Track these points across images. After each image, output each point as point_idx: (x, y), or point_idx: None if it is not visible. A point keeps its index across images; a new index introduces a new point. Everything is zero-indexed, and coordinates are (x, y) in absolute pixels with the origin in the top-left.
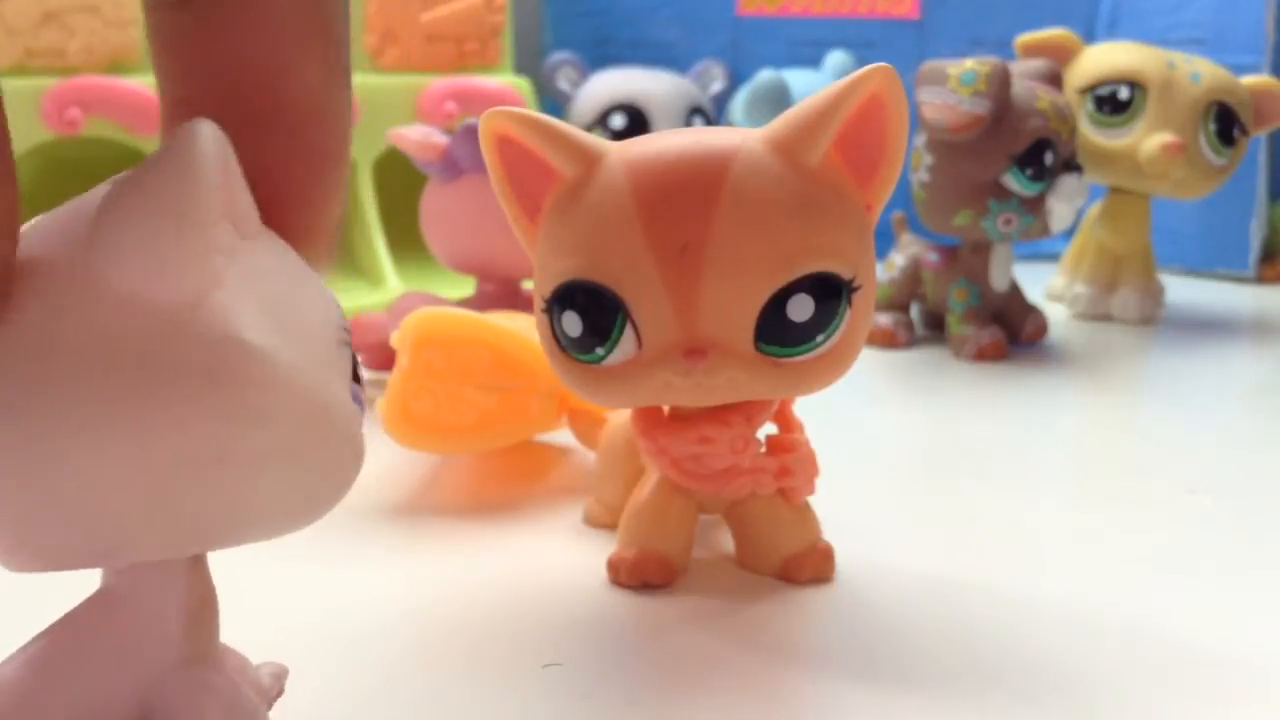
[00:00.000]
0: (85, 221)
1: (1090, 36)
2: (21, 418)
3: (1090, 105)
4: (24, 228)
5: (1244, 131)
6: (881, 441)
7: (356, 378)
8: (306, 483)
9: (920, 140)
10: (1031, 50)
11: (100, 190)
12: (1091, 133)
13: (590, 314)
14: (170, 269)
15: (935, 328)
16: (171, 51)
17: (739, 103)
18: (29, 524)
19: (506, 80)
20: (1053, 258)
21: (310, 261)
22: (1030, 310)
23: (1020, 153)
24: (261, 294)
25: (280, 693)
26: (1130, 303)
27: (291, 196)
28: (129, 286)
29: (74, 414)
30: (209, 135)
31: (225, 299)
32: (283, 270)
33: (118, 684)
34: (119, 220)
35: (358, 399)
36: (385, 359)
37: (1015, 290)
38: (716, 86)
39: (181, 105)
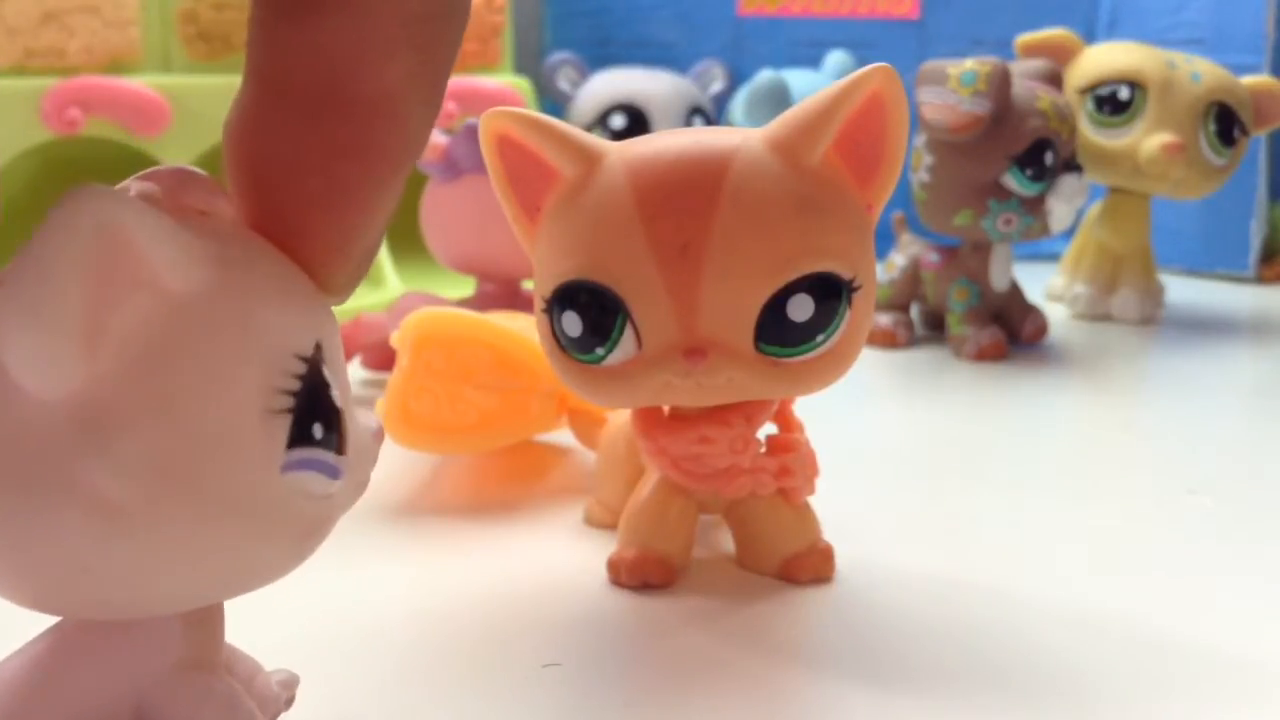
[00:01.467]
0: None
1: (1090, 36)
2: None
3: (1090, 105)
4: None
5: (1244, 131)
6: (882, 441)
7: (321, 441)
8: (219, 573)
9: (920, 140)
10: (1031, 50)
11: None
12: (1091, 133)
13: (590, 314)
14: (37, 365)
15: (935, 328)
16: (261, 28)
17: (739, 103)
18: None
19: (506, 80)
20: (1053, 258)
21: (333, 278)
22: (1030, 310)
23: (1020, 153)
24: (152, 380)
25: (291, 700)
26: (1130, 303)
27: (339, 194)
28: (14, 377)
29: None
30: (85, 212)
31: (93, 399)
32: (203, 335)
33: (116, 684)
34: (3, 303)
35: (313, 465)
36: (385, 359)
37: (1015, 290)
38: (716, 86)
39: (262, 81)
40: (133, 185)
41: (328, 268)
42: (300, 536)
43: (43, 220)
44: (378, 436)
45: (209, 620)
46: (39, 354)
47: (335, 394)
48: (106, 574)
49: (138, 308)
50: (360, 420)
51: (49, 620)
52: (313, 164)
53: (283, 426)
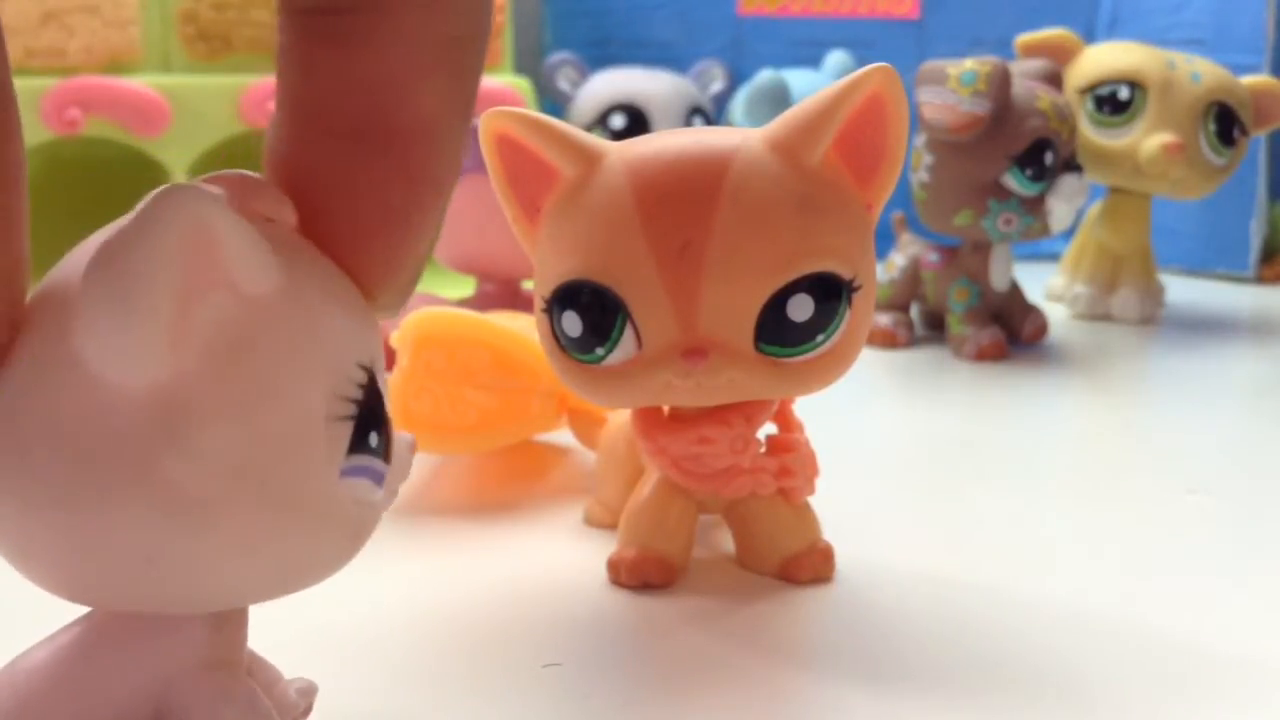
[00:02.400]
0: (83, 262)
1: (1090, 36)
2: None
3: (1090, 105)
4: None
5: (1244, 131)
6: (881, 441)
7: (375, 450)
8: (272, 570)
9: (920, 140)
10: (1031, 50)
11: (114, 224)
12: (1091, 133)
13: (590, 314)
14: (123, 356)
15: (935, 328)
16: (294, 55)
17: (739, 103)
18: (25, 563)
19: (506, 80)
20: (1053, 258)
21: (385, 295)
22: (1030, 310)
23: (1020, 153)
24: (230, 379)
25: (309, 710)
26: (1130, 303)
27: (388, 219)
28: (94, 366)
29: (39, 486)
30: (177, 206)
31: (174, 393)
32: (279, 338)
33: (139, 681)
34: (90, 292)
35: (367, 477)
36: (385, 359)
37: (1015, 290)
38: (716, 86)
39: (299, 109)
40: (202, 188)
41: (376, 288)
42: (348, 541)
43: (130, 213)
44: (412, 448)
45: (233, 622)
46: (127, 344)
47: (386, 403)
48: (168, 566)
49: (218, 306)
50: (399, 434)
51: (45, 615)
52: (357, 192)
53: (345, 433)
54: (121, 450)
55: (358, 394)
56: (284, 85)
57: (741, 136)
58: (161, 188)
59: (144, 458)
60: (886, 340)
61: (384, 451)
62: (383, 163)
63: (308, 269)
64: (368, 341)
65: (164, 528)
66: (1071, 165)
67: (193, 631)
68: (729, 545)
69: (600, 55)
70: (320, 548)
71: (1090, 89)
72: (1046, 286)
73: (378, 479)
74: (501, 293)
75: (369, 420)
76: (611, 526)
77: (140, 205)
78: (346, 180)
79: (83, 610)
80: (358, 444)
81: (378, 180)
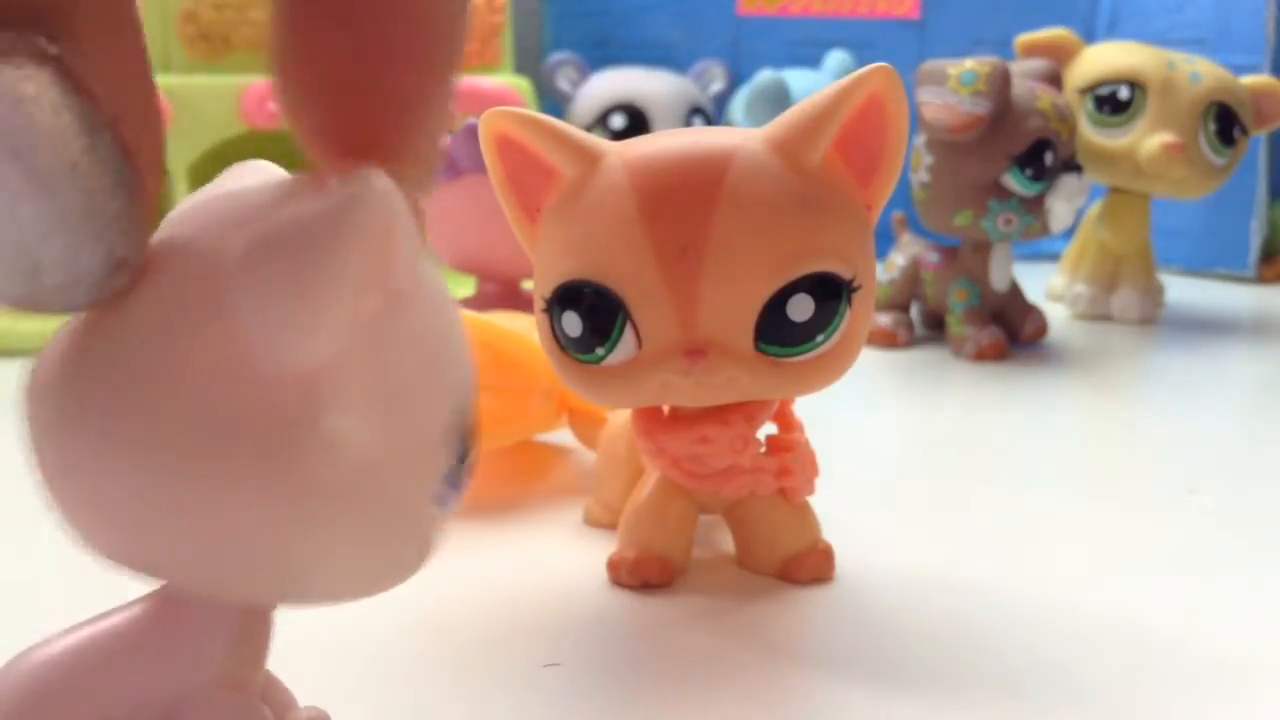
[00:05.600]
0: (238, 230)
1: (1090, 36)
2: (120, 422)
3: (1090, 105)
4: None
5: (1244, 131)
6: (881, 441)
7: (462, 474)
8: (353, 574)
9: (920, 140)
10: (1031, 50)
11: (264, 194)
12: (1091, 133)
13: (590, 314)
14: (292, 339)
15: (935, 328)
16: None
17: (739, 103)
18: (98, 521)
19: (506, 80)
20: (1053, 258)
21: (412, 180)
22: (1030, 310)
23: (1020, 153)
24: (378, 379)
25: None
26: (1130, 303)
27: (395, 105)
28: (255, 342)
29: (159, 449)
30: (375, 196)
31: (326, 380)
32: (419, 343)
33: (154, 689)
34: (268, 268)
35: (448, 496)
36: None
37: (1015, 290)
38: (716, 86)
39: (293, 13)
40: (390, 183)
41: (395, 173)
42: (420, 556)
43: (305, 183)
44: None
45: (256, 640)
46: (301, 329)
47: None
48: (268, 551)
49: (375, 299)
50: None
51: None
52: (362, 79)
53: (454, 444)
54: (263, 428)
55: (470, 414)
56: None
57: (741, 136)
58: (359, 170)
59: (287, 438)
60: (886, 340)
61: (466, 477)
62: (382, 44)
63: (434, 275)
64: (469, 353)
65: (285, 512)
66: (1071, 165)
67: (214, 644)
68: (729, 545)
69: (600, 55)
70: (399, 559)
71: (1090, 89)
72: (1046, 286)
73: (449, 502)
74: (501, 293)
75: (469, 435)
76: (611, 526)
77: (321, 184)
78: (349, 69)
79: (88, 610)
80: (457, 464)
81: (379, 64)
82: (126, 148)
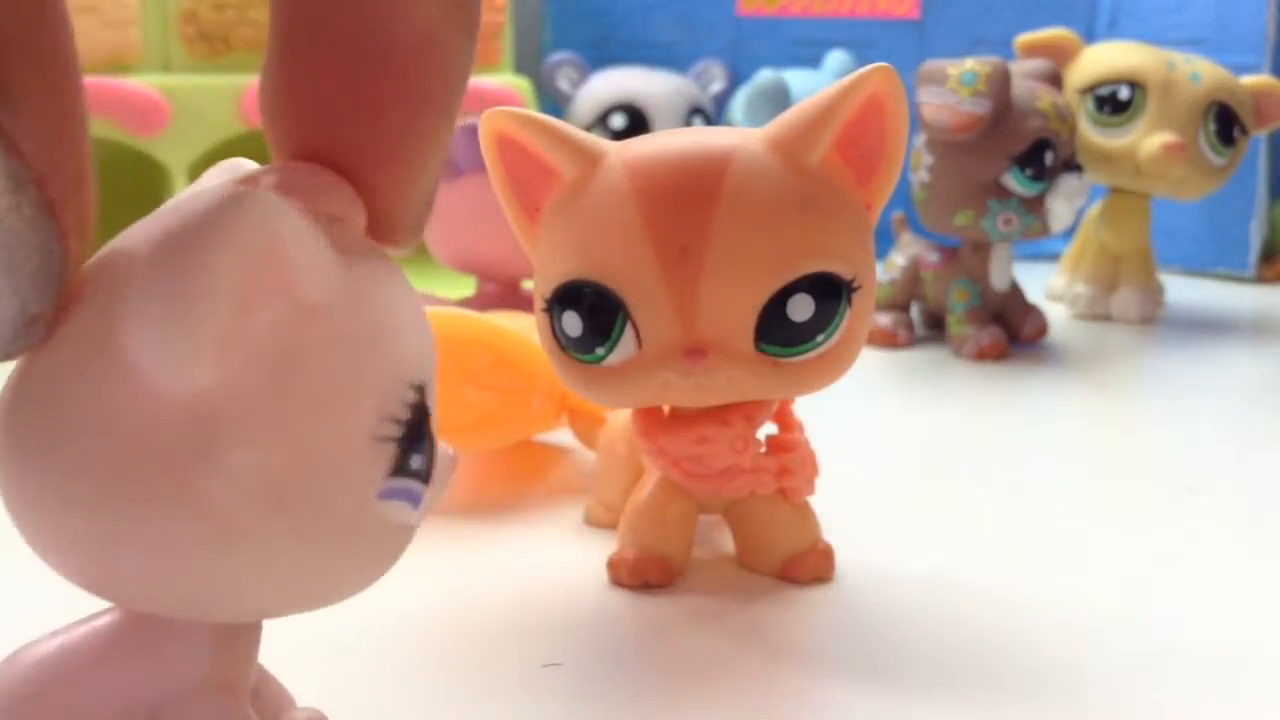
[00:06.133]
0: (139, 250)
1: (1090, 36)
2: (31, 456)
3: (1090, 105)
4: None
5: (1244, 131)
6: (881, 441)
7: (416, 472)
8: (299, 587)
9: (920, 140)
10: (1031, 50)
11: (175, 210)
12: (1091, 133)
13: (590, 314)
14: (169, 359)
15: (935, 328)
16: None
17: (739, 103)
18: (48, 551)
19: (506, 80)
20: (1053, 258)
21: (397, 228)
22: (1030, 310)
23: (1020, 153)
24: (276, 392)
25: None
26: (1130, 303)
27: (388, 145)
28: (139, 365)
29: (72, 480)
30: (249, 205)
31: (215, 403)
32: (333, 352)
33: (134, 693)
34: (145, 287)
35: (408, 494)
36: None
37: (1015, 290)
38: (716, 86)
39: (292, 30)
40: (265, 177)
41: (390, 218)
42: (379, 563)
43: (193, 199)
44: (452, 464)
45: (240, 642)
46: (175, 348)
47: (433, 423)
48: (192, 576)
49: (273, 314)
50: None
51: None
52: (359, 116)
53: (388, 454)
54: (156, 456)
55: (406, 414)
56: (275, 7)
57: (741, 136)
58: (232, 187)
59: (177, 467)
60: (886, 340)
61: (426, 472)
62: (379, 83)
63: (372, 277)
64: (423, 357)
65: (191, 540)
66: (1071, 165)
67: (199, 646)
68: (729, 545)
69: (600, 55)
70: (349, 568)
71: (1090, 89)
72: (1046, 286)
73: (415, 500)
74: (501, 293)
75: (414, 441)
76: (611, 526)
77: (205, 197)
78: (343, 104)
79: (79, 612)
80: (399, 466)
81: (375, 102)
82: (52, 206)
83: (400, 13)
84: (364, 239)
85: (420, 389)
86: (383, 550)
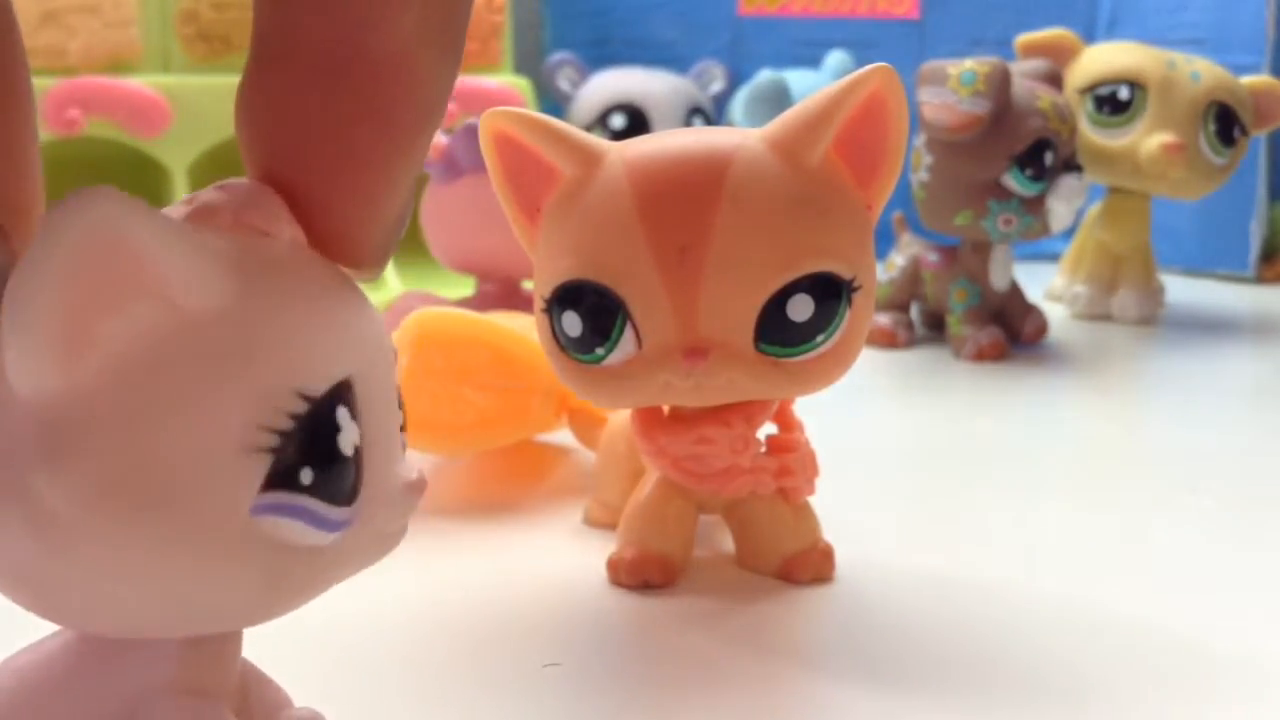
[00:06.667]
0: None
1: (1090, 36)
2: None
3: (1090, 105)
4: None
5: (1244, 131)
6: (881, 442)
7: (308, 488)
8: (165, 603)
9: (920, 140)
10: (1031, 50)
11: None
12: (1091, 133)
13: (590, 314)
14: (15, 368)
15: (935, 328)
16: None
17: (739, 103)
18: None
19: (506, 80)
20: (1053, 258)
21: (361, 251)
22: (1030, 310)
23: (1020, 153)
24: (129, 397)
25: None
26: (1130, 303)
27: (357, 165)
28: (10, 378)
29: None
30: (75, 218)
31: (60, 408)
32: (199, 357)
33: (106, 700)
34: (9, 286)
35: (293, 511)
36: None
37: (1015, 290)
38: (716, 86)
39: (266, 46)
40: (202, 195)
41: (352, 240)
42: (268, 584)
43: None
44: (414, 488)
45: (211, 645)
46: (16, 354)
47: (345, 439)
48: (44, 586)
49: (137, 319)
50: (395, 469)
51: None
52: (326, 132)
53: (260, 466)
54: (1, 462)
55: (287, 424)
56: (254, 23)
57: (741, 136)
58: (72, 191)
59: (17, 472)
60: (886, 340)
61: (334, 491)
62: (351, 100)
63: (277, 288)
64: (334, 369)
65: (32, 546)
66: (1071, 165)
67: (160, 653)
68: (729, 545)
69: (600, 55)
70: (227, 588)
71: (1090, 89)
72: (1046, 286)
73: (317, 522)
74: (501, 293)
75: (303, 455)
76: (611, 526)
77: (49, 209)
78: (311, 120)
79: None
80: (281, 480)
81: (345, 119)
82: (1, 230)
83: (375, 28)
84: (289, 251)
85: (313, 400)
86: (269, 572)
